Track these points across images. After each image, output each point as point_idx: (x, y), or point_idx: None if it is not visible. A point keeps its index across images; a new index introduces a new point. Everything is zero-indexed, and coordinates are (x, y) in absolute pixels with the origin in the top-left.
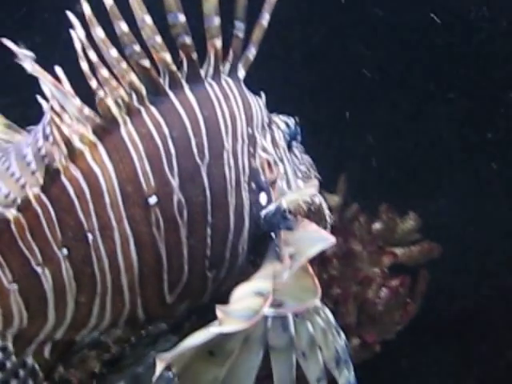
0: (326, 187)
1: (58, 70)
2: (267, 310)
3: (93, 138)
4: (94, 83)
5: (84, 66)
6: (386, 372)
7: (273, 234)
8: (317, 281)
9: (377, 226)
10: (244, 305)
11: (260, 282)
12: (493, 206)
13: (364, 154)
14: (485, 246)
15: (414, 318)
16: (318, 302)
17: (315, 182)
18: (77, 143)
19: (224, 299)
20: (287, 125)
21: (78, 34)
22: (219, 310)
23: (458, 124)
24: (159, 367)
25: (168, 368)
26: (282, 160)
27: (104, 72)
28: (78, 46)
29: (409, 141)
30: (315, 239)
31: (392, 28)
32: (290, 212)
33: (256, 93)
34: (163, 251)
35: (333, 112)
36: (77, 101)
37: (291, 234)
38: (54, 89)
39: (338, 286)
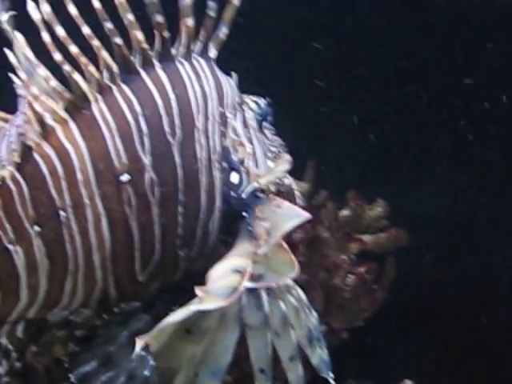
0: (296, 174)
1: (19, 36)
2: (247, 284)
3: (64, 115)
4: (57, 56)
5: (46, 37)
6: (353, 359)
7: (245, 213)
8: (293, 256)
9: (344, 212)
10: (222, 283)
11: (237, 259)
12: (469, 195)
13: (340, 142)
14: (458, 234)
15: (382, 305)
16: (295, 276)
17: (287, 158)
18: (48, 120)
19: (195, 278)
20: (258, 105)
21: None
22: (199, 289)
23: (440, 113)
24: (138, 347)
25: (146, 348)
26: (252, 140)
27: (73, 48)
28: (35, 17)
29: (388, 129)
30: (289, 215)
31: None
32: (261, 191)
33: (227, 73)
34: (135, 229)
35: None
36: (43, 71)
37: (265, 211)
38: (24, 56)
39: (305, 273)
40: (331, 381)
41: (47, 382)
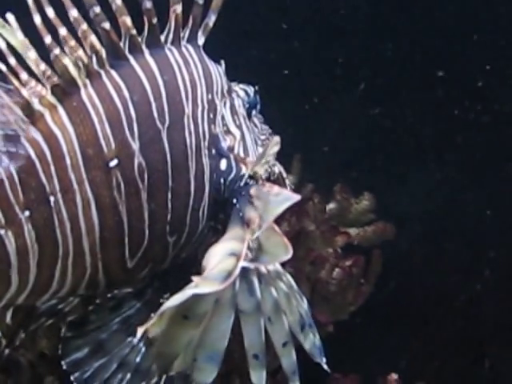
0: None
1: (11, 17)
2: (242, 264)
3: (52, 99)
4: (48, 39)
5: (37, 19)
6: (339, 352)
7: (235, 200)
8: (286, 238)
9: (331, 205)
10: (218, 267)
11: (230, 243)
12: (456, 191)
13: (326, 135)
14: (443, 229)
15: (368, 298)
16: (289, 257)
17: (277, 140)
18: (36, 105)
19: (185, 265)
20: (247, 93)
21: None
22: (196, 277)
23: (427, 110)
24: (139, 334)
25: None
26: (241, 127)
27: (62, 31)
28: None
29: (376, 123)
30: (280, 198)
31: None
32: (250, 177)
33: (216, 60)
34: (124, 215)
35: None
36: (34, 55)
37: (255, 197)
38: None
39: (291, 266)
40: (325, 366)
41: (31, 376)
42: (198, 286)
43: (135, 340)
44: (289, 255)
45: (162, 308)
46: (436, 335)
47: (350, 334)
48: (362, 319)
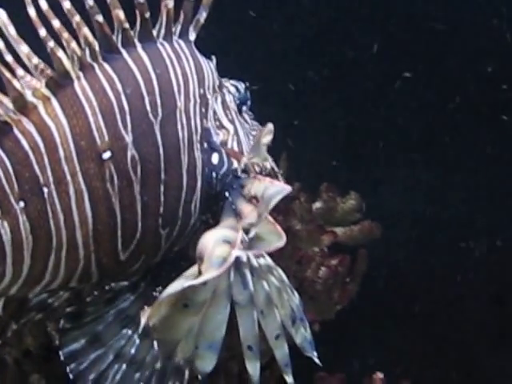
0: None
1: (2, 13)
2: (237, 252)
3: (46, 91)
4: (43, 32)
5: (32, 12)
6: (325, 351)
7: (227, 194)
8: (279, 227)
9: (317, 205)
10: (213, 253)
11: (224, 231)
12: (442, 191)
13: (313, 134)
14: (429, 229)
15: (354, 297)
16: (283, 244)
17: (270, 127)
18: (29, 97)
19: (176, 259)
20: (237, 89)
21: None
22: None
23: (416, 105)
24: (143, 321)
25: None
26: (233, 122)
27: (56, 23)
28: None
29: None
30: (272, 190)
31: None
32: (242, 171)
33: (207, 56)
34: (117, 207)
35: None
36: (25, 48)
37: (248, 189)
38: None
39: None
40: (316, 360)
41: (16, 374)
42: (196, 274)
43: (130, 332)
44: (283, 242)
45: (163, 295)
46: (422, 334)
47: (336, 333)
48: (348, 318)
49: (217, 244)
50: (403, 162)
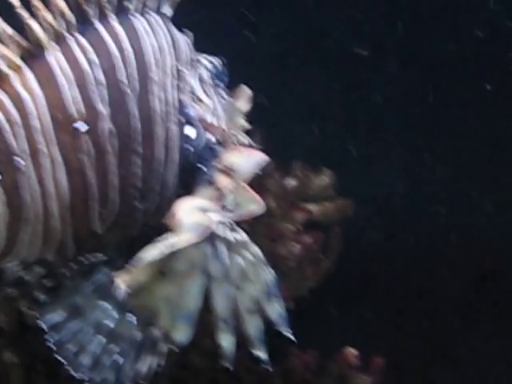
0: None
1: None
2: (217, 217)
3: (20, 62)
4: (17, 2)
5: None
6: (298, 328)
7: (203, 166)
8: (257, 195)
9: (290, 182)
10: (191, 219)
11: (202, 201)
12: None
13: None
14: (404, 207)
15: (327, 274)
16: (263, 211)
17: (247, 92)
18: (3, 67)
19: (153, 234)
20: (213, 65)
21: None
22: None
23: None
24: (119, 284)
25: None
26: (210, 97)
27: None
28: None
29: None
30: (249, 160)
31: None
32: (218, 143)
33: (183, 32)
34: (93, 179)
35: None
36: None
37: (224, 161)
38: None
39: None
40: (290, 336)
41: None
42: (174, 240)
43: (108, 305)
44: (261, 208)
45: (140, 260)
46: (396, 311)
47: (309, 309)
48: (321, 295)
49: (193, 211)
50: (379, 140)
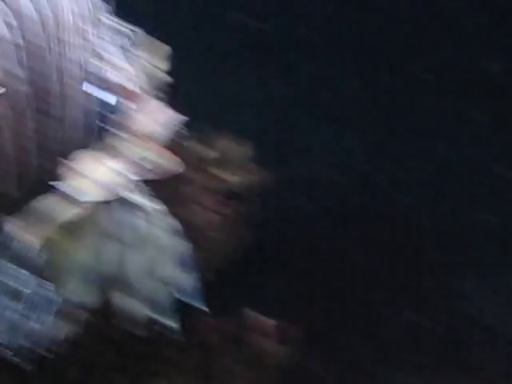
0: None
1: None
2: (132, 176)
3: None
4: None
5: None
6: (213, 299)
7: (116, 130)
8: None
9: (210, 153)
10: (101, 178)
11: (115, 161)
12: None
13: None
14: (329, 179)
15: (246, 245)
16: (179, 169)
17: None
18: None
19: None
20: (123, 29)
21: None
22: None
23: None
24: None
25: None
26: (122, 60)
27: None
28: None
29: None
30: (163, 120)
31: None
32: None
33: None
34: (10, 143)
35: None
36: None
37: (138, 122)
38: None
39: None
40: (202, 307)
41: None
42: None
43: (23, 271)
44: (179, 167)
45: (44, 217)
46: (313, 283)
47: (225, 280)
48: (239, 266)
49: (107, 172)
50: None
